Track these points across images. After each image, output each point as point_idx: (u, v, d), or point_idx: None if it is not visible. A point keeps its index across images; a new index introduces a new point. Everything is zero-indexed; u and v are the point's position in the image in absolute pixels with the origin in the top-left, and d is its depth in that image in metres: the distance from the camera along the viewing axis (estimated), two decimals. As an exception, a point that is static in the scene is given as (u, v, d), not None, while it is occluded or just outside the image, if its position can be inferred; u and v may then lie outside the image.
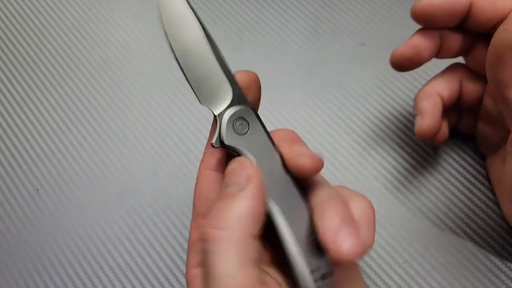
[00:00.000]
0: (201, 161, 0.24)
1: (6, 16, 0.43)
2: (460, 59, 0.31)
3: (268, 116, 0.37)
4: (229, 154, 0.23)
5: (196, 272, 0.22)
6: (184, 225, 0.33)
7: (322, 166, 0.21)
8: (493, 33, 0.24)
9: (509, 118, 0.24)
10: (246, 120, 0.22)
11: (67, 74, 0.40)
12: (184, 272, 0.31)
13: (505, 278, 0.30)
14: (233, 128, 0.22)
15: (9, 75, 0.40)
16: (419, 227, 0.32)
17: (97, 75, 0.39)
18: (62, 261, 0.32)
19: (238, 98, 0.23)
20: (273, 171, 0.22)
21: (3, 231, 0.33)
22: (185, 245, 0.32)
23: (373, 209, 0.22)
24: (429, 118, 0.29)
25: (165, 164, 0.35)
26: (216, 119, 0.23)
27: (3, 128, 0.37)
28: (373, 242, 0.22)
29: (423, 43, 0.29)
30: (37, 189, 0.34)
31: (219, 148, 0.23)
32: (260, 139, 0.22)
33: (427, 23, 0.29)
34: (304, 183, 0.23)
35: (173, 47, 0.23)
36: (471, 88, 0.30)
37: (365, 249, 0.21)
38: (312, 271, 0.21)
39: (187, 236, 0.32)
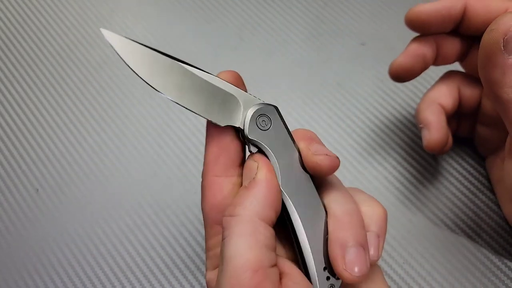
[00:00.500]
0: (205, 171, 0.23)
1: (6, 16, 0.43)
2: (455, 66, 0.31)
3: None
4: (233, 154, 0.23)
5: (212, 274, 0.23)
6: (184, 225, 0.33)
7: (338, 166, 0.22)
8: None
9: (505, 117, 0.24)
10: (268, 117, 0.23)
11: (67, 74, 0.40)
12: (184, 271, 0.31)
13: (505, 278, 0.30)
14: (256, 124, 0.23)
15: (9, 75, 0.40)
16: (419, 227, 0.32)
17: (97, 75, 0.39)
18: (62, 261, 0.32)
19: (245, 98, 0.23)
20: (291, 167, 0.22)
21: (3, 231, 0.33)
22: (185, 245, 0.32)
23: (386, 218, 0.23)
24: (436, 131, 0.29)
25: (165, 164, 0.35)
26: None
27: (3, 128, 0.37)
28: (381, 254, 0.22)
29: (420, 51, 0.29)
30: (37, 189, 0.34)
31: (220, 148, 0.23)
32: (281, 136, 0.23)
33: (423, 29, 0.29)
34: (319, 182, 0.23)
35: (167, 96, 0.22)
36: (469, 93, 0.30)
37: (372, 263, 0.21)
38: (324, 268, 0.21)
39: (186, 236, 0.32)
